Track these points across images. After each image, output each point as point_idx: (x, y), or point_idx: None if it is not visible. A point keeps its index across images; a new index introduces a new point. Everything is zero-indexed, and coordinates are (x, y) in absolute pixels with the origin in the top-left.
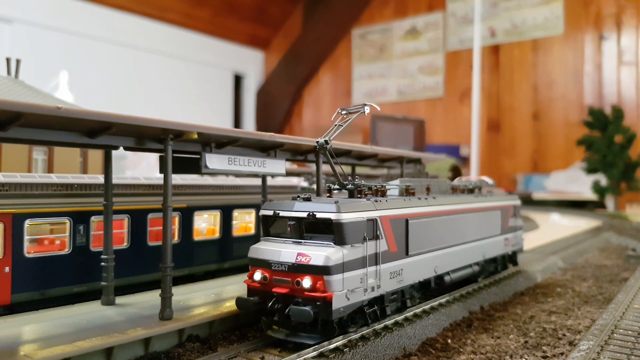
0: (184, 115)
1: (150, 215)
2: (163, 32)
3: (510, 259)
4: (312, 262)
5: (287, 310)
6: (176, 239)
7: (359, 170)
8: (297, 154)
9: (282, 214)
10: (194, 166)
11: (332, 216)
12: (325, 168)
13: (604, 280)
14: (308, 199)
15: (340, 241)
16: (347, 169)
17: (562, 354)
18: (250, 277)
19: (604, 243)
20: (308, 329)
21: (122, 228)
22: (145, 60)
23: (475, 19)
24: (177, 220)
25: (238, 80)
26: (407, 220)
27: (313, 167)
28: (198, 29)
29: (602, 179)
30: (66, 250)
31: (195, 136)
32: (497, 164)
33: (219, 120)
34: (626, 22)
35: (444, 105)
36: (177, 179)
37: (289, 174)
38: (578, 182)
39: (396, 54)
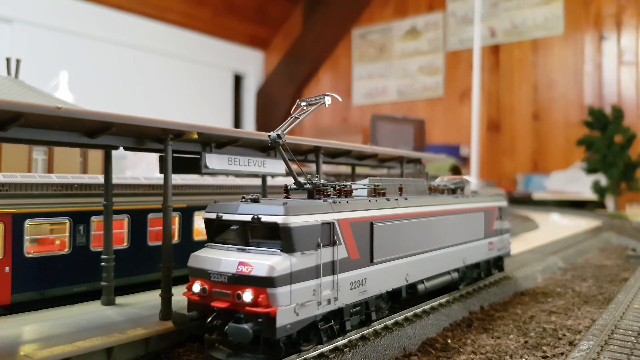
0: (184, 115)
1: (150, 215)
2: (163, 32)
3: (496, 264)
4: (254, 273)
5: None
6: (176, 239)
7: (359, 170)
8: (297, 154)
9: (225, 217)
10: (194, 166)
11: (279, 220)
12: (326, 168)
13: (604, 280)
14: (256, 200)
15: (288, 248)
16: (347, 169)
17: (562, 354)
18: (189, 288)
19: (604, 243)
20: (252, 349)
21: (122, 228)
22: (145, 60)
23: (475, 19)
24: (177, 220)
25: (238, 80)
26: (371, 224)
27: (313, 167)
28: (198, 29)
29: (602, 179)
30: (66, 250)
31: (195, 136)
32: (497, 164)
33: (219, 120)
34: (626, 22)
35: (444, 105)
36: (177, 179)
37: (289, 174)
38: (578, 182)
39: (396, 54)
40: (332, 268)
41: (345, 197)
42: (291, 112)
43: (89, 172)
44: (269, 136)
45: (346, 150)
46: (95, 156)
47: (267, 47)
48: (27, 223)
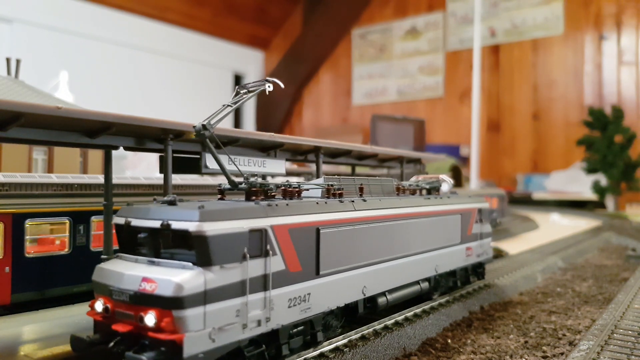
0: (184, 115)
1: None
2: (163, 32)
3: (475, 271)
4: (158, 292)
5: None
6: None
7: (359, 170)
8: (297, 154)
9: (134, 223)
10: (194, 166)
11: (192, 227)
12: (326, 168)
13: (604, 280)
14: (172, 203)
15: (203, 261)
16: (347, 169)
17: (562, 354)
18: (92, 307)
19: (604, 243)
20: None
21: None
22: (145, 60)
23: (475, 19)
24: None
25: (238, 80)
26: (318, 230)
27: (313, 167)
28: (198, 29)
29: (602, 179)
30: (66, 250)
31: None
32: (497, 164)
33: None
34: (626, 22)
35: (444, 105)
36: (177, 179)
37: (289, 174)
38: (578, 182)
39: (396, 54)
40: (264, 283)
41: (291, 199)
42: (231, 102)
43: (89, 172)
44: (194, 127)
45: (346, 150)
46: (95, 156)
47: (267, 47)
48: (27, 223)
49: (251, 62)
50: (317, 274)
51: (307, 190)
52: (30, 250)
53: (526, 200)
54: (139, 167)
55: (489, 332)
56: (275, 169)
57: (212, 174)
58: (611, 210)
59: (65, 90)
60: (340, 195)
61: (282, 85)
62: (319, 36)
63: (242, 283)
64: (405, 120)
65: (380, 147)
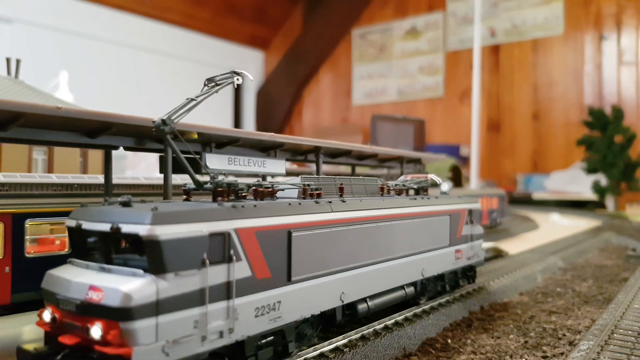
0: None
1: None
2: (163, 32)
3: (465, 274)
4: (104, 301)
5: None
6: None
7: (359, 170)
8: (297, 154)
9: (85, 226)
10: (194, 166)
11: (142, 231)
12: (326, 168)
13: (604, 280)
14: (126, 204)
15: (156, 268)
16: (347, 169)
17: (562, 354)
18: (40, 316)
19: (604, 243)
20: None
21: None
22: (146, 60)
23: (475, 19)
24: None
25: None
26: (289, 233)
27: (313, 167)
28: (198, 29)
29: (602, 179)
30: (66, 250)
31: (195, 136)
32: (497, 164)
33: (219, 120)
34: (626, 22)
35: (444, 105)
36: (177, 178)
37: (289, 174)
38: (578, 182)
39: (396, 54)
40: (227, 291)
41: (262, 200)
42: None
43: (89, 172)
44: (153, 122)
45: (346, 150)
46: (95, 156)
47: (267, 47)
48: (27, 223)
49: (251, 62)
50: (289, 280)
51: (283, 190)
52: (31, 250)
53: (526, 200)
54: (139, 167)
55: (489, 332)
56: (276, 169)
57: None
58: (611, 210)
59: (65, 90)
60: (318, 195)
61: (251, 78)
62: (319, 36)
63: (201, 291)
64: (405, 120)
65: (380, 147)
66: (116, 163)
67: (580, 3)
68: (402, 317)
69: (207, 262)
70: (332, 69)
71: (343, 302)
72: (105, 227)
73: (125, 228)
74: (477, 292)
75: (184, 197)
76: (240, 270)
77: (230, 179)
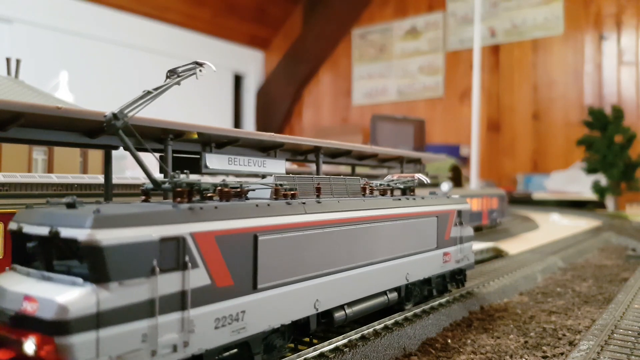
0: (184, 115)
1: None
2: (163, 32)
3: (454, 278)
4: (39, 313)
5: None
6: None
7: (359, 170)
8: (297, 154)
9: (25, 229)
10: (194, 166)
11: (81, 235)
12: (326, 168)
13: (604, 280)
14: (71, 205)
15: (97, 276)
16: (347, 169)
17: (562, 354)
18: None
19: (604, 243)
20: None
21: None
22: (145, 60)
23: (475, 19)
24: None
25: (238, 80)
26: (255, 237)
27: (313, 167)
28: (198, 29)
29: (602, 179)
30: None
31: (195, 136)
32: (497, 164)
33: (219, 120)
34: (626, 22)
35: (444, 105)
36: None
37: (289, 173)
38: (578, 182)
39: (396, 54)
40: (181, 301)
41: (227, 201)
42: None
43: (89, 172)
44: (105, 116)
45: (346, 150)
46: (95, 156)
47: (267, 47)
48: None
49: (251, 62)
50: (255, 288)
51: (254, 190)
52: None
53: (526, 200)
54: (139, 167)
55: (489, 332)
56: (275, 169)
57: (212, 173)
58: (611, 210)
59: (65, 90)
60: (293, 196)
61: (214, 68)
62: (319, 36)
63: (150, 302)
64: (405, 120)
65: (380, 147)
66: (116, 163)
67: (580, 3)
68: (402, 317)
69: (157, 269)
70: (332, 69)
71: (318, 310)
72: (45, 231)
73: (64, 232)
74: (477, 293)
75: (143, 197)
76: (197, 278)
77: (193, 178)
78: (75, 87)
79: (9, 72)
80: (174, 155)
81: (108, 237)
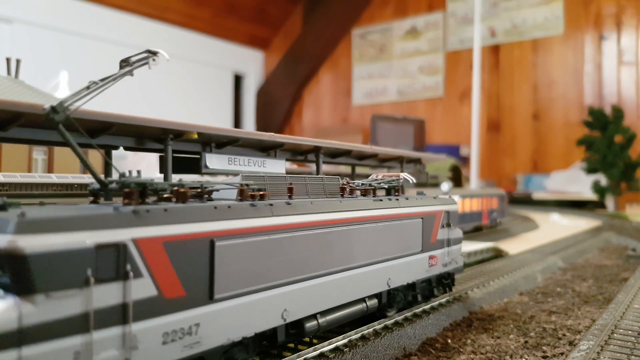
0: (184, 115)
1: None
2: (163, 32)
3: (440, 282)
4: None
5: None
6: None
7: (359, 170)
8: (297, 154)
9: None
10: (194, 166)
11: (1, 242)
12: (326, 168)
13: (604, 280)
14: (1, 208)
15: (20, 288)
16: (347, 169)
17: (562, 354)
18: None
19: (604, 243)
20: None
21: None
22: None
23: (475, 19)
24: None
25: (238, 80)
26: (212, 242)
27: (313, 167)
28: (198, 29)
29: (602, 179)
30: None
31: (195, 136)
32: (497, 164)
33: (219, 120)
34: (626, 22)
35: (444, 105)
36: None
37: (289, 173)
38: (578, 182)
39: (396, 54)
40: (122, 314)
41: (184, 202)
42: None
43: (89, 172)
44: (43, 109)
45: (346, 150)
46: (96, 156)
47: (267, 47)
48: None
49: (251, 62)
50: (211, 298)
51: (218, 191)
52: None
53: (526, 200)
54: (139, 167)
55: (489, 332)
56: (275, 169)
57: (212, 173)
58: (611, 210)
59: (65, 90)
60: (262, 197)
61: (167, 57)
62: (319, 36)
63: (84, 316)
64: (405, 120)
65: (380, 147)
66: (116, 163)
67: (580, 3)
68: (402, 317)
69: (92, 279)
70: (332, 69)
71: (286, 320)
72: None
73: None
74: (477, 293)
75: (91, 199)
76: (141, 288)
77: (145, 177)
78: (75, 87)
79: (9, 72)
80: (174, 155)
81: (33, 244)
